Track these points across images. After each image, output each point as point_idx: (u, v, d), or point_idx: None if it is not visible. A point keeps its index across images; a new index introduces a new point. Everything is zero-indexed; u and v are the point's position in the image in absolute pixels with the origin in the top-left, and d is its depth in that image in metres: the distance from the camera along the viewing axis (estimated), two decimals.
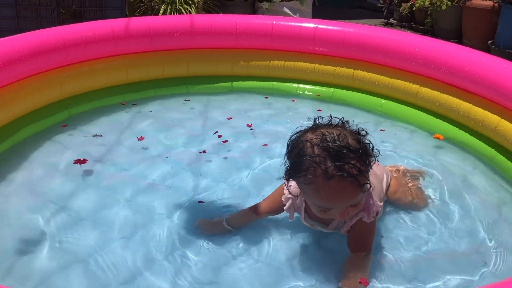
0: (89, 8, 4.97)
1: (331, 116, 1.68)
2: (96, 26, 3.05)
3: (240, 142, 2.80)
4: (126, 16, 5.07)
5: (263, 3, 5.70)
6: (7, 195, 2.18)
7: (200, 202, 2.15)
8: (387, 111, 3.25)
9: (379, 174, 2.09)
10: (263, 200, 2.02)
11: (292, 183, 1.85)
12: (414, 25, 7.07)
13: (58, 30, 2.88)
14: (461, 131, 2.83)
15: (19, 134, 2.68)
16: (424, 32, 6.63)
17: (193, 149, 2.67)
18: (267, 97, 3.50)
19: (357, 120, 3.10)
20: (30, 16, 4.86)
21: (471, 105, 2.74)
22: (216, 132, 2.85)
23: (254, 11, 5.89)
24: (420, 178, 2.42)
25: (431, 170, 2.51)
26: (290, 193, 1.84)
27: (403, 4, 7.00)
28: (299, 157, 1.58)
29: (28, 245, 1.85)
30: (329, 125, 1.65)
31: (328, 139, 1.54)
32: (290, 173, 1.64)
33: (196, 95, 3.50)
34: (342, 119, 1.67)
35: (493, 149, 2.61)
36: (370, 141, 1.65)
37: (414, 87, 3.09)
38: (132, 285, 1.70)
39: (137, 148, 2.67)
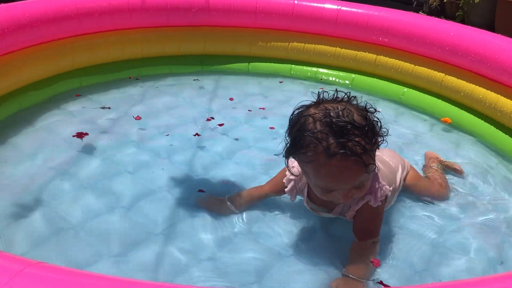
0: None
1: (336, 90, 1.55)
2: None
3: (247, 124, 2.71)
4: None
5: None
6: (8, 158, 2.14)
7: (200, 191, 2.01)
8: (409, 100, 3.10)
9: (393, 166, 1.96)
10: (267, 181, 1.93)
11: (295, 165, 1.75)
12: (444, 18, 6.81)
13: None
14: (486, 123, 2.67)
15: (28, 100, 2.65)
16: None
17: (198, 127, 2.59)
18: (281, 82, 3.38)
19: (378, 107, 3.00)
20: None
21: (499, 95, 2.57)
22: (212, 118, 2.72)
23: None
24: (452, 171, 2.29)
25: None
26: (292, 174, 1.75)
27: None
28: (300, 132, 1.46)
29: (22, 210, 1.79)
30: (334, 100, 1.53)
31: (331, 114, 1.43)
32: (290, 150, 1.53)
33: (211, 74, 3.41)
34: (348, 93, 1.54)
35: None
36: (379, 119, 1.52)
37: (439, 75, 2.93)
38: (124, 256, 1.62)
39: (142, 123, 2.59)
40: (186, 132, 2.53)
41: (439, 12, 6.93)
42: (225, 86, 3.26)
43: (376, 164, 1.52)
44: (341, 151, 1.39)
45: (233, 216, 1.85)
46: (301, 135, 1.45)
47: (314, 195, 1.75)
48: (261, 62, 3.50)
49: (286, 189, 1.79)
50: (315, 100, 1.56)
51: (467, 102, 2.79)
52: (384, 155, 1.91)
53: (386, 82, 3.22)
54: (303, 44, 3.42)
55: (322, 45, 3.38)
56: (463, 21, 6.30)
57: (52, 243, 1.65)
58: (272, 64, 3.50)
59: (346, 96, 1.52)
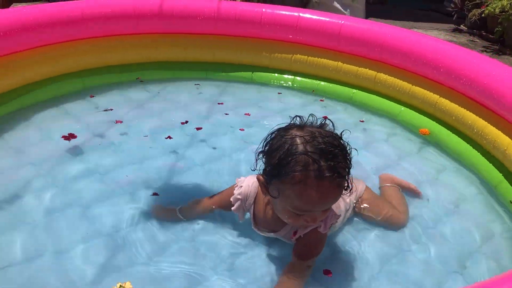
0: None
1: (312, 115, 1.58)
2: (117, 2, 3.11)
3: (229, 132, 2.75)
4: None
5: None
6: None
7: (154, 194, 2.10)
8: (405, 119, 3.04)
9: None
10: (216, 194, 1.96)
11: (243, 185, 1.79)
12: (484, 33, 6.53)
13: (78, 4, 2.98)
14: (474, 150, 2.57)
15: (29, 98, 2.84)
16: (494, 42, 6.12)
17: (188, 133, 2.67)
18: (280, 93, 3.41)
19: (371, 125, 2.96)
20: None
21: (487, 123, 2.48)
22: (186, 122, 2.79)
23: (304, 4, 5.74)
24: (412, 195, 2.24)
25: (428, 187, 2.33)
26: (239, 194, 1.80)
27: (473, 10, 6.47)
28: (289, 155, 1.46)
29: None
30: (311, 124, 1.56)
31: (318, 137, 1.46)
32: (275, 172, 1.50)
33: (213, 81, 3.50)
34: (324, 120, 1.56)
35: (501, 174, 2.34)
36: (347, 142, 1.54)
37: (434, 97, 2.85)
38: (67, 253, 1.73)
39: (124, 127, 2.70)
40: (163, 137, 2.62)
41: (480, 26, 6.65)
42: (225, 93, 3.33)
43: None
44: (330, 174, 1.42)
45: (179, 225, 1.91)
46: (290, 157, 1.45)
47: (259, 217, 1.79)
48: (264, 72, 3.54)
49: (233, 208, 1.83)
50: (289, 123, 1.59)
51: (458, 126, 2.71)
52: None
53: (384, 100, 3.17)
54: (306, 56, 3.42)
55: (325, 59, 3.37)
56: (502, 37, 6.03)
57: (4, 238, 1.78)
58: (275, 74, 3.53)
59: (320, 121, 1.56)
